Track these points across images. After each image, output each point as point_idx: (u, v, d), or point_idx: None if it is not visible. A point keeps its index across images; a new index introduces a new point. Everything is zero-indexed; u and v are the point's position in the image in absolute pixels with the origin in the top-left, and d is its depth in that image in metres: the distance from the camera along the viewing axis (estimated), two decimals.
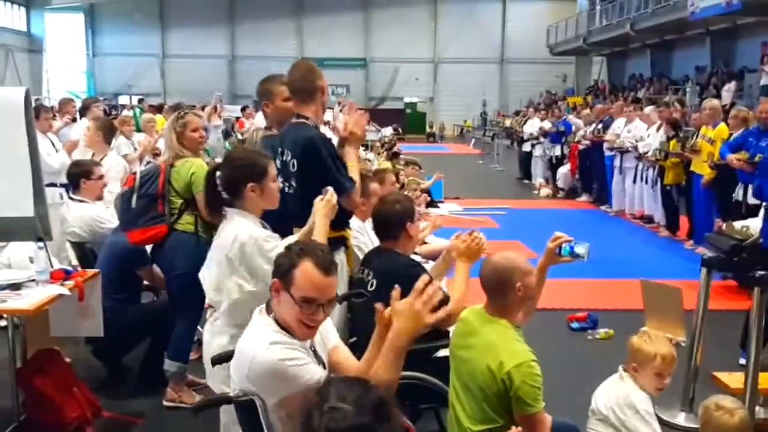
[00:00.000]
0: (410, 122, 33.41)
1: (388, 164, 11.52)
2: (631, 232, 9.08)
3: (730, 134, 6.98)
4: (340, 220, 2.91)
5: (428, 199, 9.63)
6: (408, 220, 3.00)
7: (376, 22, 34.30)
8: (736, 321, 4.35)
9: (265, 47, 34.04)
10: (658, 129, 8.86)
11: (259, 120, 9.48)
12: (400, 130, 29.57)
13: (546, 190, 12.69)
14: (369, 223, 3.76)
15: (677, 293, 4.76)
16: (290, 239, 2.66)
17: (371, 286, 2.90)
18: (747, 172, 6.36)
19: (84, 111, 7.74)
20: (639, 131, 9.31)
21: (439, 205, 10.47)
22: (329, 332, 2.14)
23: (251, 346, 1.91)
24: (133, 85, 34.97)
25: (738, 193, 6.56)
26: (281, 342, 1.88)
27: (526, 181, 14.26)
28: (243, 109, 17.59)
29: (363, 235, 3.50)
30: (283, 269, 1.92)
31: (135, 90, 34.84)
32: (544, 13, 32.30)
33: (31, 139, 4.11)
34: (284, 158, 3.02)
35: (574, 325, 5.11)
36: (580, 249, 2.67)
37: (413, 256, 3.25)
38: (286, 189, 2.95)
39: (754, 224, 5.87)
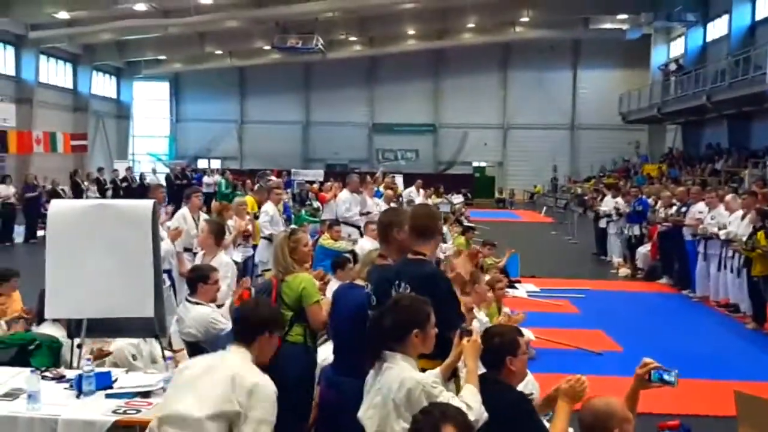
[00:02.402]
0: (479, 187, 33.61)
1: (462, 239, 11.78)
2: (717, 321, 8.85)
3: None
4: (450, 352, 3.10)
5: (507, 281, 9.71)
6: (507, 355, 3.02)
7: (447, 89, 35.11)
8: None
9: (338, 114, 35.40)
10: (743, 217, 8.74)
11: (343, 197, 9.94)
12: (469, 195, 29.89)
13: (625, 270, 12.51)
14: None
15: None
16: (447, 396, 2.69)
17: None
18: None
19: (185, 200, 8.22)
20: (722, 218, 9.19)
21: (516, 285, 10.51)
22: None
23: None
24: (212, 149, 36.89)
25: None
26: None
27: (603, 258, 14.10)
28: (321, 184, 18.12)
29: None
30: None
31: (213, 154, 36.77)
32: (616, 80, 32.29)
33: (155, 246, 4.59)
34: (401, 290, 3.17)
35: None
36: (669, 377, 2.84)
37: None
38: None
39: None
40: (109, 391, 3.64)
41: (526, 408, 2.91)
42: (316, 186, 19.00)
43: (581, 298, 10.01)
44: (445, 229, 13.45)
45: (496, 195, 33.88)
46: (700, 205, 9.83)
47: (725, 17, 24.37)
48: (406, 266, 3.25)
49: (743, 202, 8.98)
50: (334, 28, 29.88)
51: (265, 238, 8.41)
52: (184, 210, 7.50)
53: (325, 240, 7.96)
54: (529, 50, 33.14)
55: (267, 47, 30.97)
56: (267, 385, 2.72)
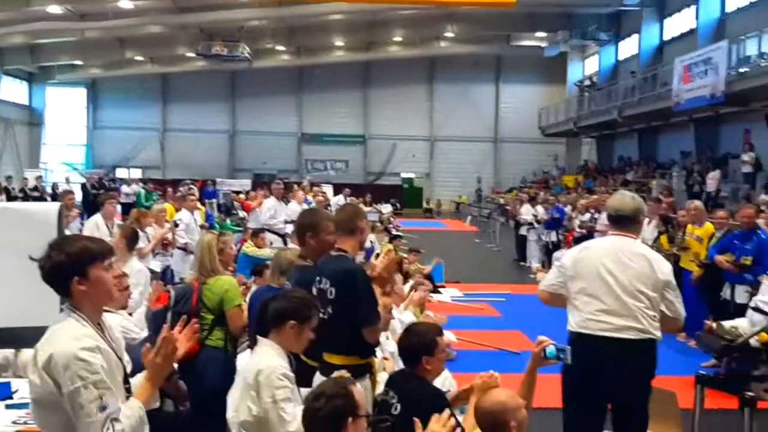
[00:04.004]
0: (408, 197, 34.07)
1: (389, 246, 11.95)
2: None
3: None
4: (365, 348, 3.19)
5: (431, 286, 9.92)
6: (424, 354, 3.06)
7: (376, 100, 35.45)
8: (732, 422, 4.52)
9: (266, 123, 35.07)
10: (649, 222, 9.28)
11: (268, 204, 9.87)
12: (398, 205, 30.27)
13: (543, 275, 12.95)
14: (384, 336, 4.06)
15: (672, 397, 4.99)
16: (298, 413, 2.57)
17: (395, 409, 3.03)
18: (734, 273, 6.74)
19: (98, 206, 7.95)
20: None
21: (440, 290, 10.76)
22: None
23: None
24: (132, 158, 35.64)
25: (726, 293, 6.89)
26: None
27: (523, 264, 14.61)
28: (246, 193, 17.90)
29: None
30: None
31: (134, 163, 35.54)
32: (535, 95, 33.53)
33: None
34: (321, 286, 3.23)
35: None
36: (563, 354, 3.04)
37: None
38: (322, 315, 3.14)
39: (743, 324, 6.20)
40: (8, 402, 3.55)
41: (440, 403, 3.01)
42: (242, 196, 18.74)
43: (502, 302, 10.35)
44: (373, 237, 13.63)
45: (424, 205, 34.44)
46: None
47: (635, 37, 25.85)
48: (328, 263, 3.31)
49: (649, 208, 9.52)
50: (260, 37, 29.67)
51: (179, 248, 8.14)
52: (97, 217, 7.25)
53: (249, 248, 7.89)
54: (454, 64, 33.93)
55: (191, 54, 30.43)
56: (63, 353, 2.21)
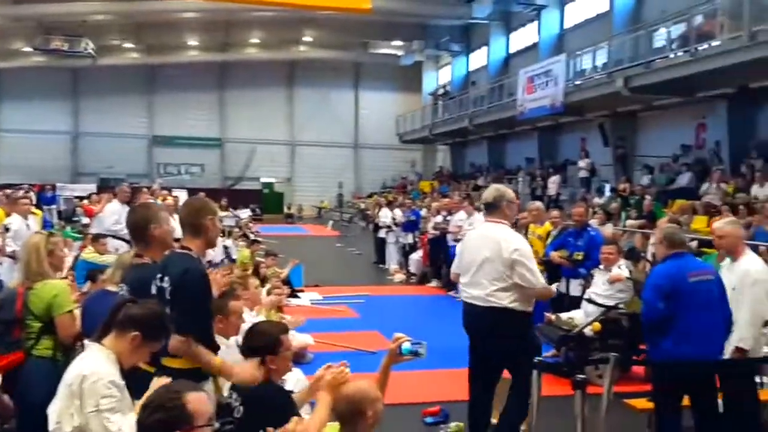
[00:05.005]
0: (268, 202, 33.50)
1: (247, 252, 11.66)
2: None
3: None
4: (208, 349, 3.04)
5: (289, 290, 9.79)
6: (268, 354, 3.00)
7: (233, 103, 34.50)
8: (567, 406, 4.88)
9: (113, 124, 32.87)
10: None
11: (112, 208, 9.24)
12: (258, 210, 29.66)
13: (400, 276, 13.36)
14: (235, 340, 3.92)
15: (508, 384, 5.29)
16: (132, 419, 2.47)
17: (238, 413, 2.95)
18: (568, 268, 7.29)
19: None
20: (479, 224, 10.23)
21: (299, 294, 10.66)
22: None
23: None
24: None
25: (562, 286, 7.43)
26: None
27: (382, 266, 14.90)
28: (88, 196, 16.67)
29: (230, 354, 3.60)
30: None
31: None
32: (393, 103, 34.40)
33: None
34: (162, 284, 3.02)
35: (428, 419, 5.42)
36: (419, 348, 3.07)
37: None
38: None
39: (578, 315, 6.72)
40: None
41: (284, 402, 2.96)
42: (86, 202, 17.42)
43: (361, 304, 10.45)
44: (230, 242, 13.25)
45: (285, 210, 34.04)
46: (461, 214, 10.87)
47: (485, 49, 27.38)
48: (171, 260, 3.12)
49: None
50: (106, 33, 27.95)
51: (8, 256, 7.36)
52: None
53: (89, 254, 7.32)
54: (313, 69, 33.95)
55: (28, 49, 27.95)
56: None
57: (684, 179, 14.12)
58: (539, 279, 4.34)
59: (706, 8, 13.13)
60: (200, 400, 2.07)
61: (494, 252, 4.23)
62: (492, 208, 4.46)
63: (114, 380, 2.60)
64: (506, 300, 4.21)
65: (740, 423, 4.22)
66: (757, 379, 5.70)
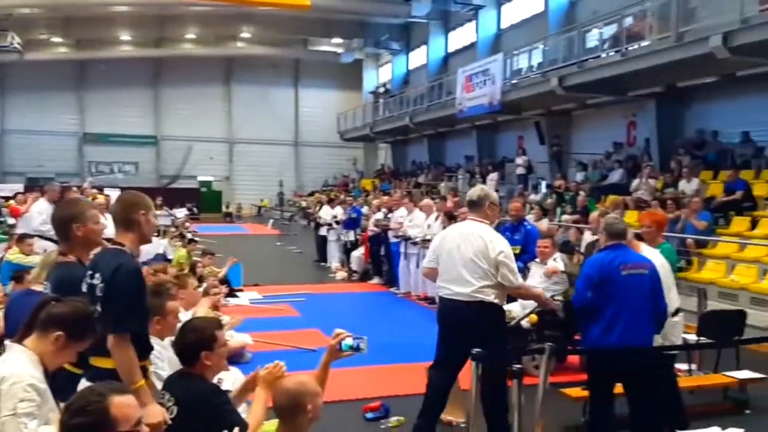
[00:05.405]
0: (206, 201, 32.82)
1: (183, 251, 11.37)
2: (418, 313, 9.84)
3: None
4: (138, 350, 2.92)
5: (227, 289, 9.60)
6: (202, 350, 2.96)
7: (168, 100, 33.66)
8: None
9: (41, 122, 31.51)
10: (437, 218, 9.91)
11: (39, 207, 8.83)
12: (195, 209, 28.99)
13: (342, 273, 13.30)
14: (169, 340, 3.80)
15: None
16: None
17: (171, 413, 2.87)
18: None
19: None
20: (419, 220, 10.32)
21: (238, 294, 10.47)
22: None
23: None
24: None
25: None
26: None
27: (323, 264, 14.80)
28: (14, 196, 15.89)
29: (162, 361, 3.48)
30: None
31: None
32: (334, 100, 34.29)
33: None
34: (92, 281, 2.90)
35: (369, 415, 5.41)
36: (359, 343, 3.07)
37: None
38: None
39: (515, 308, 6.84)
40: None
41: (218, 400, 2.89)
42: (13, 202, 16.60)
43: (302, 302, 10.34)
44: (166, 242, 12.88)
45: (224, 209, 33.43)
46: (402, 210, 10.91)
47: (424, 48, 27.60)
48: (103, 256, 2.99)
49: (437, 206, 10.17)
50: (33, 27, 26.72)
51: None
52: None
53: (13, 255, 6.99)
54: (252, 65, 33.46)
55: None
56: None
57: (616, 175, 14.59)
58: (519, 279, 4.59)
59: (636, 10, 13.60)
60: (126, 404, 1.95)
61: (481, 251, 4.40)
62: (475, 206, 4.62)
63: (34, 383, 2.47)
64: (492, 296, 4.42)
65: (661, 409, 4.36)
66: (685, 366, 5.99)
